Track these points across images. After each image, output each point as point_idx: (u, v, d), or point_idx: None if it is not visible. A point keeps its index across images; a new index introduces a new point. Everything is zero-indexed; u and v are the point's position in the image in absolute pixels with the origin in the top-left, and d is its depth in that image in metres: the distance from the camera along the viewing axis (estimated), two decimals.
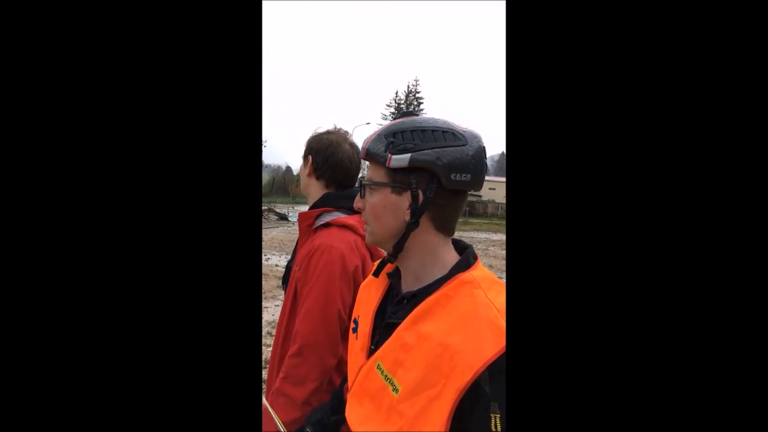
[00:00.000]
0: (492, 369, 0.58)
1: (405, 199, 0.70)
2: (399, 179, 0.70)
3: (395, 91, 76.37)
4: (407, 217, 0.71)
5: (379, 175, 0.72)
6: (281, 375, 1.06)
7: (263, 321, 4.80)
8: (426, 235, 0.72)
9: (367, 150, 0.72)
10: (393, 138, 0.69)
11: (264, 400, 0.92)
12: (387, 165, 0.69)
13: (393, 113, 47.12)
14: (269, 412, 0.82)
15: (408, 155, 0.68)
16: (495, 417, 0.56)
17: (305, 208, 1.29)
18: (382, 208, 0.72)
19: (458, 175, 0.68)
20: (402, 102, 47.93)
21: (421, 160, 0.67)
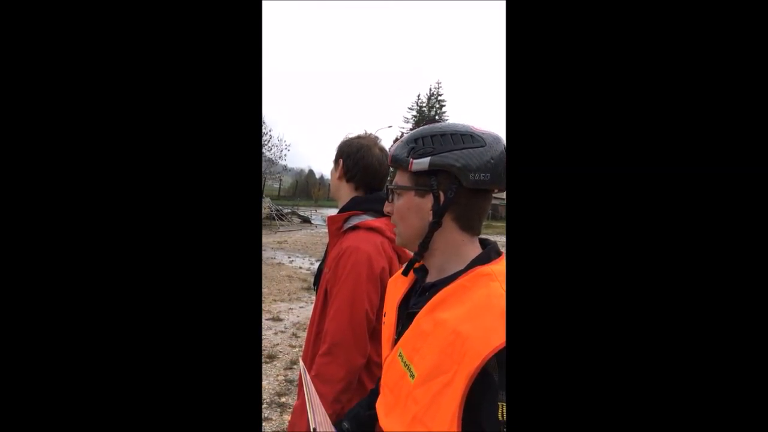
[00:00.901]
0: (500, 357, 0.59)
1: (428, 201, 0.74)
2: (421, 182, 0.74)
3: (417, 95, 76.29)
4: (431, 218, 0.74)
5: (404, 180, 0.76)
6: (312, 373, 1.10)
7: (289, 322, 4.87)
8: (450, 234, 0.75)
9: (392, 156, 0.77)
10: (414, 143, 0.74)
11: (301, 362, 0.97)
12: (409, 169, 0.73)
13: (415, 117, 47.05)
14: (305, 385, 0.85)
15: (428, 159, 0.72)
16: (502, 405, 0.58)
17: (328, 211, 1.33)
18: (407, 210, 0.76)
19: (477, 175, 0.71)
20: (424, 105, 47.81)
21: (441, 162, 0.71)
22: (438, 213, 0.73)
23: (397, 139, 0.80)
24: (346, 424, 0.89)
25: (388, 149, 0.82)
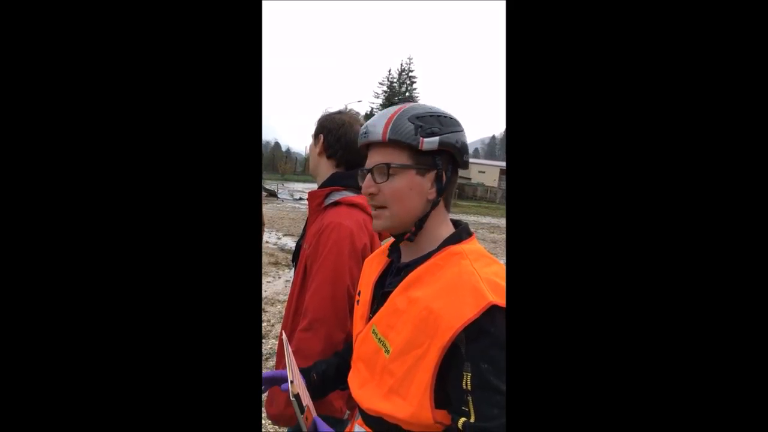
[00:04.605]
0: (468, 330, 0.63)
1: (428, 180, 0.75)
2: (423, 161, 0.74)
3: (388, 70, 75.14)
4: (430, 197, 0.75)
5: (402, 158, 0.73)
6: (291, 348, 1.09)
7: None
8: (438, 212, 0.77)
9: (390, 135, 0.72)
10: (420, 122, 0.73)
11: (283, 336, 1.00)
12: (420, 148, 0.72)
13: (385, 92, 46.50)
14: (286, 351, 0.87)
15: (437, 138, 0.73)
16: (467, 375, 0.63)
17: (295, 186, 1.30)
18: (409, 190, 0.74)
19: (466, 156, 0.77)
20: (395, 81, 47.26)
21: (447, 142, 0.73)
22: (441, 191, 0.75)
23: (368, 115, 0.78)
24: (314, 375, 0.94)
25: (366, 125, 0.77)
